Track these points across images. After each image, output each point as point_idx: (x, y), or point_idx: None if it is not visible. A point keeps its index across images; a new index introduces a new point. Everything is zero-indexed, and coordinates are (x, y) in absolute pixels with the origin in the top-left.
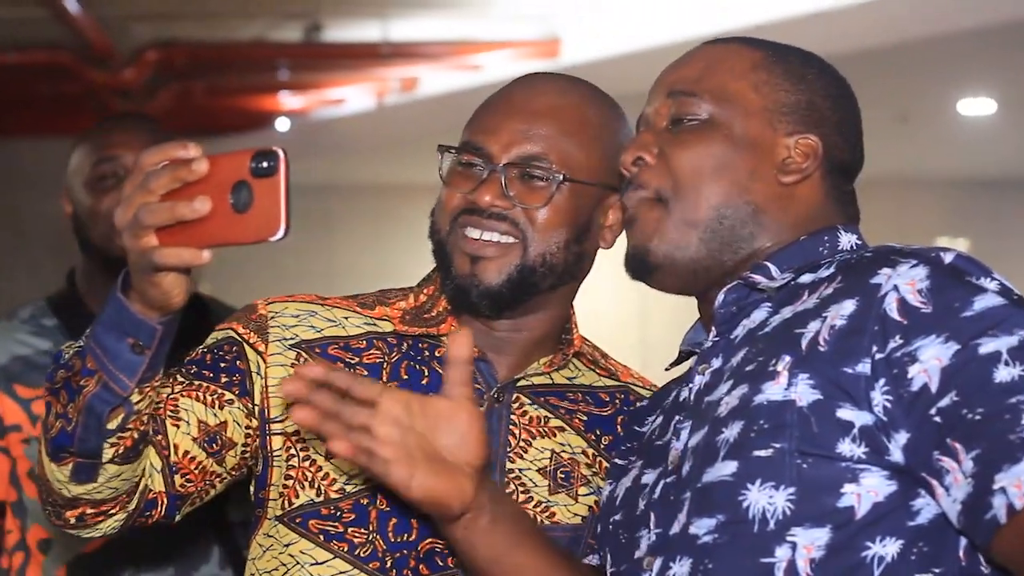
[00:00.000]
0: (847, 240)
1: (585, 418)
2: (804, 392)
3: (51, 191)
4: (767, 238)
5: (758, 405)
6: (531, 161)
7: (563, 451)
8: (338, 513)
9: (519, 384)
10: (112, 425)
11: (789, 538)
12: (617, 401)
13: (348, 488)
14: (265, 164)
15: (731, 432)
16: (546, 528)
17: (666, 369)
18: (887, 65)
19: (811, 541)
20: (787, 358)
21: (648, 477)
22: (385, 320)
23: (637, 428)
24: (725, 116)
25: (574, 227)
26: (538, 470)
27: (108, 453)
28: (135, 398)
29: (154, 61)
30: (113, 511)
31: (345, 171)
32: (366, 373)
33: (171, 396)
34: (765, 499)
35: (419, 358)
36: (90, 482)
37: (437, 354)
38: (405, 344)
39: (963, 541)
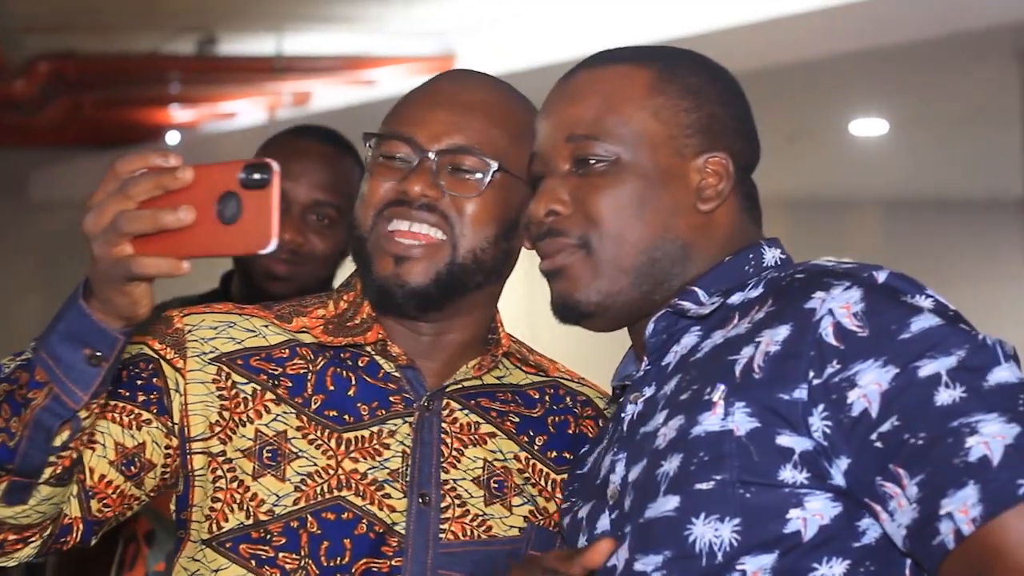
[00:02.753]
0: (771, 256)
1: (516, 420)
2: (741, 421)
3: None
4: (696, 268)
5: (696, 437)
6: (462, 151)
7: (495, 459)
8: (268, 536)
9: (448, 389)
10: (58, 442)
11: (738, 567)
12: (547, 398)
13: (277, 510)
14: (257, 176)
15: (670, 465)
16: (484, 543)
17: (583, 384)
18: (778, 85)
19: (759, 566)
20: (722, 387)
21: (583, 511)
22: (304, 332)
23: (579, 471)
24: (633, 154)
25: (504, 222)
26: (472, 480)
27: (47, 472)
28: (82, 414)
29: (46, 73)
30: (32, 538)
31: None
32: (290, 384)
33: None
34: (711, 532)
35: (345, 366)
36: (20, 504)
37: (361, 363)
38: (328, 352)
39: (908, 560)
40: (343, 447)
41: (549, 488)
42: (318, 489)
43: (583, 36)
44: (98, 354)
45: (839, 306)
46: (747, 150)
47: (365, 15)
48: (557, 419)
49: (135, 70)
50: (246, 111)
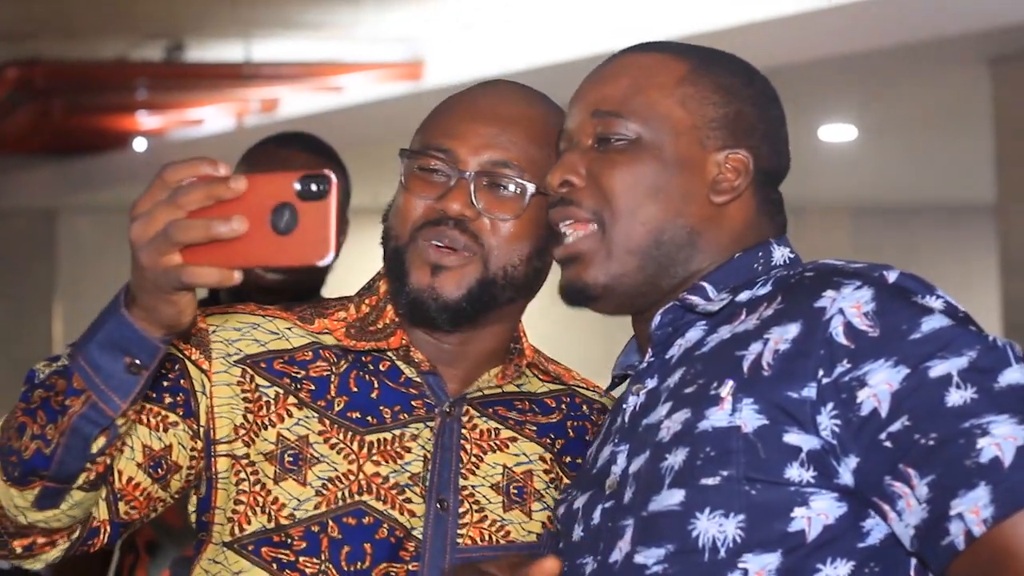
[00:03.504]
0: (780, 254)
1: (535, 427)
2: (749, 418)
3: None
4: (703, 260)
5: (703, 432)
6: (501, 167)
7: (516, 464)
8: (289, 540)
9: (468, 396)
10: (94, 449)
11: (740, 565)
12: (564, 406)
13: (298, 515)
14: (315, 187)
15: (675, 459)
16: (501, 548)
17: (602, 395)
18: None
19: (762, 566)
20: (730, 382)
21: (580, 501)
22: (326, 333)
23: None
24: (654, 136)
25: (537, 240)
26: (491, 486)
27: (80, 478)
28: (120, 421)
29: (13, 79)
30: (60, 540)
31: None
32: (313, 387)
33: None
34: (715, 527)
35: (367, 370)
36: (53, 508)
37: (383, 367)
38: (351, 355)
39: (913, 561)
40: (365, 450)
41: None
42: (339, 494)
43: (549, 44)
44: (138, 362)
45: (850, 305)
46: (772, 155)
47: (334, 21)
48: (575, 424)
49: (103, 77)
50: (214, 117)
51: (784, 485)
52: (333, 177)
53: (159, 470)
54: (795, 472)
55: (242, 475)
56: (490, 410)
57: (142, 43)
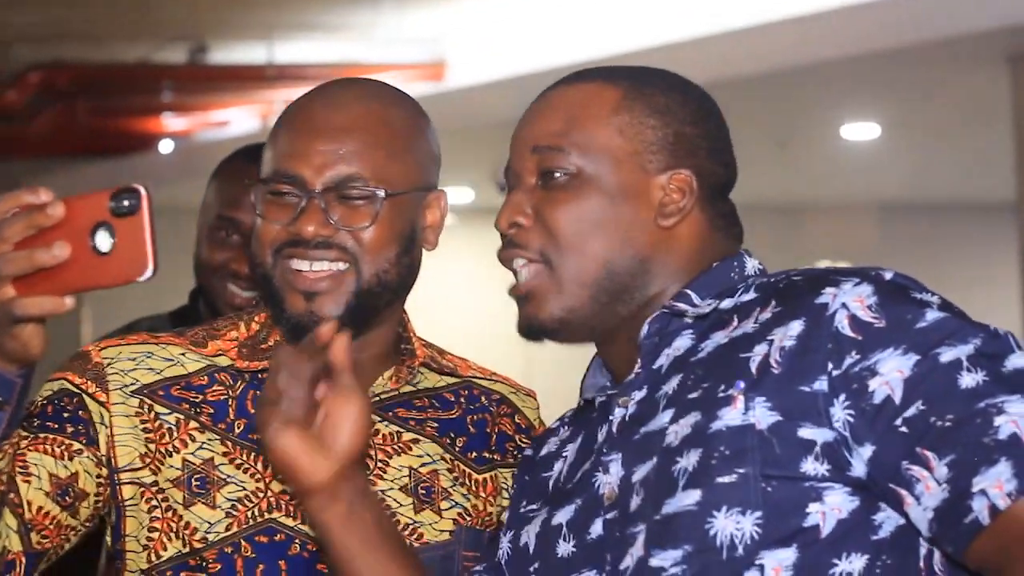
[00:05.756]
0: (752, 265)
1: (436, 424)
2: (763, 415)
3: None
4: (659, 283)
5: (716, 432)
6: (348, 183)
7: (421, 464)
8: (204, 564)
9: None
10: None
11: (757, 562)
12: (462, 399)
13: (211, 537)
14: (126, 202)
15: (688, 461)
16: (417, 551)
17: (565, 420)
18: (769, 91)
19: (779, 562)
20: (740, 383)
21: (561, 517)
22: (220, 355)
23: (529, 477)
24: (595, 168)
25: (401, 239)
26: (400, 488)
27: None
28: None
29: (37, 83)
30: None
31: None
32: (212, 411)
33: (19, 452)
34: (732, 525)
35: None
36: None
37: None
38: (247, 375)
39: (922, 551)
40: (270, 469)
41: (475, 487)
42: (249, 513)
43: (571, 45)
44: None
45: (852, 299)
46: (718, 169)
47: (356, 23)
48: (475, 418)
49: (127, 79)
50: (239, 119)
51: (800, 480)
52: (143, 190)
53: (67, 498)
54: (810, 466)
55: (153, 502)
56: (389, 413)
57: (165, 46)
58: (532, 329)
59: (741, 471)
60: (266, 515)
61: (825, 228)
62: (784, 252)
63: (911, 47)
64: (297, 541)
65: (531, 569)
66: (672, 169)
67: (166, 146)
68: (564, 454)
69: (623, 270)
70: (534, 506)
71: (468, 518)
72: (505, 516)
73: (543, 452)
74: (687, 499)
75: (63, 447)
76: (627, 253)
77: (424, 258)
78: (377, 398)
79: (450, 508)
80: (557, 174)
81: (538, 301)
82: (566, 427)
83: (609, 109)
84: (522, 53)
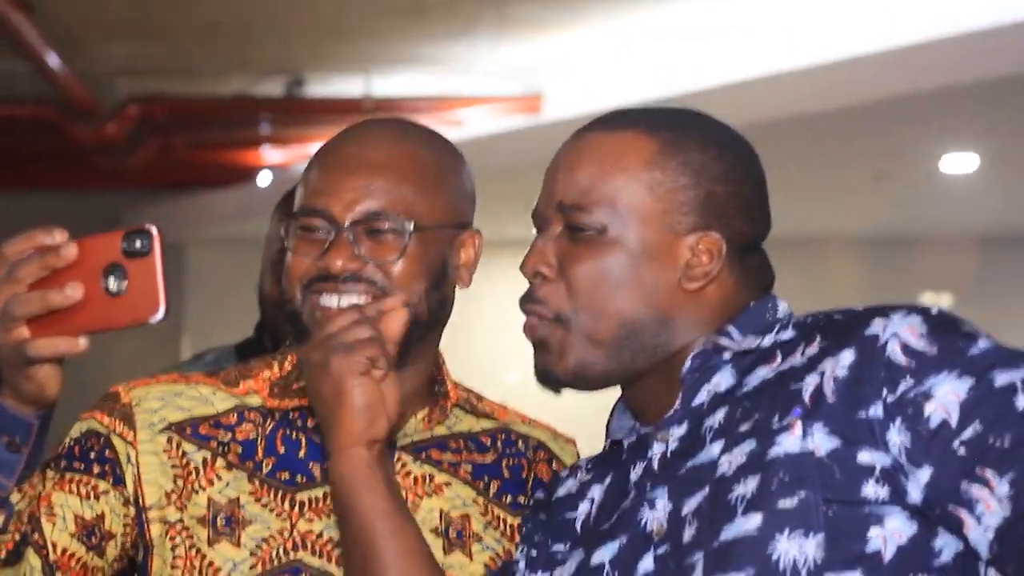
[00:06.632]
0: (783, 308)
1: (470, 467)
2: (821, 441)
3: None
4: (683, 338)
5: (775, 458)
6: (376, 217)
7: (452, 508)
8: None
9: (399, 445)
10: None
11: None
12: (499, 443)
13: None
14: (138, 244)
15: (746, 488)
16: None
17: (591, 462)
18: (865, 123)
19: None
20: (797, 410)
21: (601, 556)
22: (252, 395)
23: (546, 516)
24: (621, 226)
25: (432, 274)
26: (431, 531)
27: None
28: (14, 498)
29: (136, 116)
30: None
31: None
32: (240, 449)
33: (44, 493)
34: (796, 548)
35: (294, 427)
36: None
37: (309, 423)
38: (277, 414)
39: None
40: (297, 508)
41: (508, 532)
42: (273, 552)
43: (667, 77)
44: (17, 440)
45: (903, 329)
46: (748, 228)
47: (452, 56)
48: (511, 462)
49: (224, 112)
50: None
51: (860, 504)
52: (155, 231)
53: (93, 538)
54: (871, 490)
55: (176, 540)
56: (423, 455)
57: (262, 79)
58: (548, 379)
59: (802, 494)
60: (292, 555)
61: (923, 261)
62: (882, 285)
63: (1011, 77)
64: None
65: None
66: (701, 230)
67: (264, 178)
68: (590, 496)
69: (643, 328)
70: (561, 546)
71: (500, 562)
72: (520, 553)
73: (560, 493)
74: (748, 524)
75: (89, 487)
76: (648, 313)
77: (491, 296)
78: (410, 440)
79: (481, 551)
80: (583, 230)
81: (551, 353)
82: (585, 471)
83: (642, 164)
84: (618, 86)
